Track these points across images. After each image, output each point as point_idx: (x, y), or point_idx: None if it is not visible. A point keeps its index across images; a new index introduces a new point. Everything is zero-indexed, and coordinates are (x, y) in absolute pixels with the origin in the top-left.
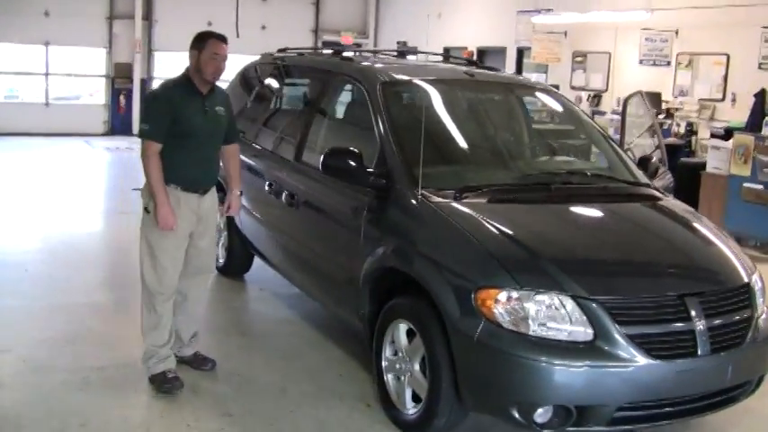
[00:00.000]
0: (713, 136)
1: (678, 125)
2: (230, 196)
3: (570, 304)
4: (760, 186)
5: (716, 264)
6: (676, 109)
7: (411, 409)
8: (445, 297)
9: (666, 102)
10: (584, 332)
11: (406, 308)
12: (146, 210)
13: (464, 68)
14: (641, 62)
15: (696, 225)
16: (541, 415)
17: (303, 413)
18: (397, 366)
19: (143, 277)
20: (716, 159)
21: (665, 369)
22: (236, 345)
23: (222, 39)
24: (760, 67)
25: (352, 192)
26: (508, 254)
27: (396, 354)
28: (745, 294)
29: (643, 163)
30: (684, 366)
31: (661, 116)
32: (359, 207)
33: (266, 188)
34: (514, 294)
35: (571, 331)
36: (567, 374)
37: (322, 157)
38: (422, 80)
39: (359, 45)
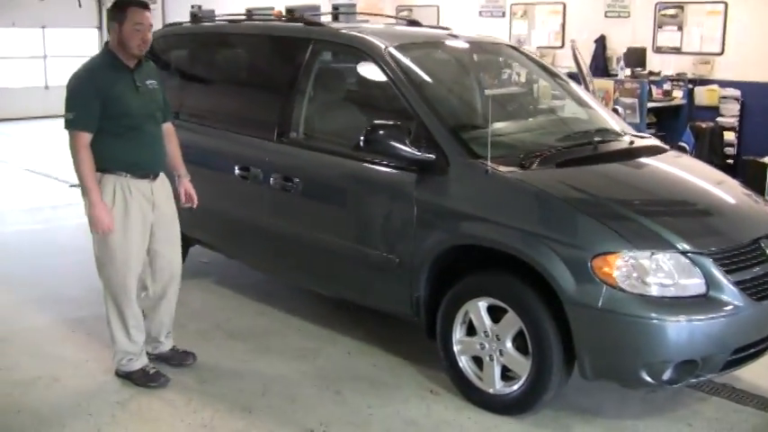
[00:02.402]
0: None
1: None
2: (182, 183)
3: (683, 260)
4: None
5: (761, 207)
6: None
7: (506, 388)
8: (556, 269)
9: None
10: (699, 285)
11: (491, 285)
12: None
13: (443, 31)
14: (481, 14)
15: (720, 176)
16: (669, 372)
17: (379, 411)
18: (479, 347)
19: (103, 276)
20: None
21: (764, 310)
22: (237, 348)
23: (144, 5)
24: (606, 16)
25: (392, 169)
26: (615, 218)
27: (470, 334)
28: None
29: None
30: None
31: None
32: (405, 185)
33: (236, 173)
34: (632, 257)
35: (688, 286)
36: (693, 328)
37: (364, 132)
38: (422, 44)
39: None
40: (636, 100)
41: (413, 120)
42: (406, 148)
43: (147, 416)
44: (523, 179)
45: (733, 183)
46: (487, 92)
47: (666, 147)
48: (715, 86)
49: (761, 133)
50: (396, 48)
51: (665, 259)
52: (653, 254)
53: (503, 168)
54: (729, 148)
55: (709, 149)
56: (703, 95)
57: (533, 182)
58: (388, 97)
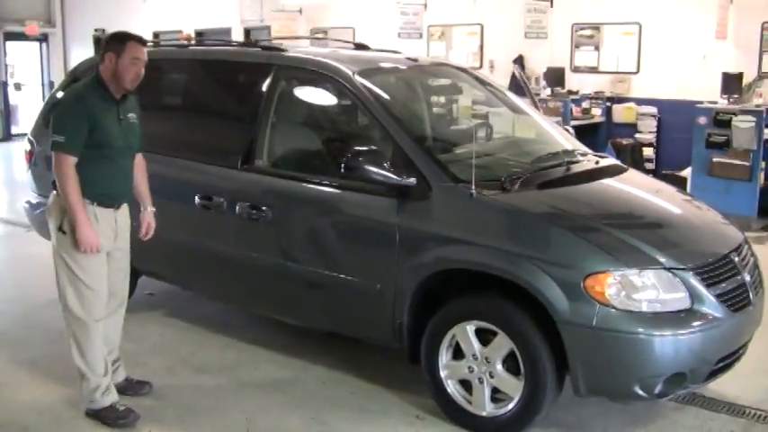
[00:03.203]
0: None
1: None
2: (146, 215)
3: (670, 276)
4: None
5: (725, 222)
6: None
7: (498, 410)
8: (549, 290)
9: None
10: (684, 300)
11: (480, 308)
12: (61, 231)
13: (399, 55)
14: (399, 35)
15: (684, 194)
16: (660, 385)
17: None
18: (467, 370)
19: (68, 306)
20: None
21: (740, 320)
22: (209, 383)
23: (142, 41)
24: (525, 36)
25: (371, 195)
26: (602, 238)
27: (456, 358)
28: (749, 248)
29: None
30: (746, 316)
31: None
32: (386, 211)
33: (197, 203)
34: (623, 276)
35: (674, 301)
36: (682, 342)
37: (344, 159)
38: (386, 69)
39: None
40: (560, 119)
41: (388, 145)
42: (388, 174)
43: None
44: (509, 202)
45: (696, 200)
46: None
47: (626, 166)
48: (632, 104)
49: (677, 148)
50: (362, 73)
51: (652, 276)
52: (641, 271)
53: (486, 192)
54: (648, 164)
55: (632, 165)
56: (621, 113)
57: (519, 204)
58: (358, 123)
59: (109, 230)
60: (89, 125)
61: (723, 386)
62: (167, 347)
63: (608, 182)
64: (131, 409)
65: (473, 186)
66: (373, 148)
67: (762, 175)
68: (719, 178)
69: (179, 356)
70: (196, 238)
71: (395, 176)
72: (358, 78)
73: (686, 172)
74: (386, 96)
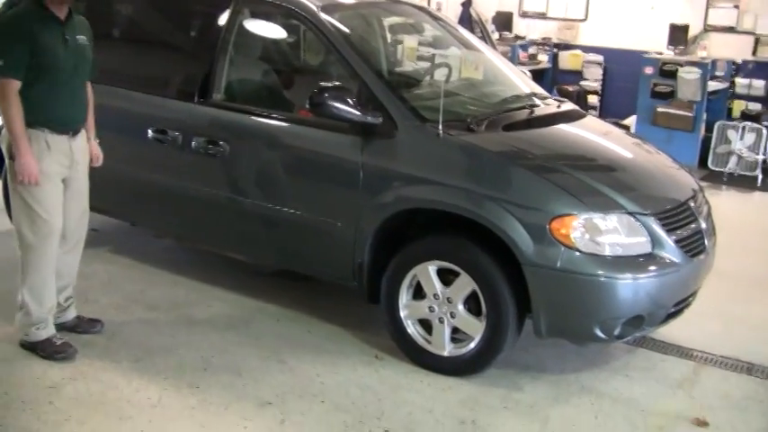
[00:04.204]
0: None
1: None
2: (91, 146)
3: (632, 221)
4: None
5: (682, 171)
6: None
7: (458, 350)
8: (514, 232)
9: None
10: (645, 244)
11: (443, 248)
12: (12, 158)
13: None
14: None
15: (640, 140)
16: (619, 327)
17: (329, 379)
18: (428, 310)
19: (21, 235)
20: None
21: (696, 266)
22: (161, 321)
23: None
24: None
25: (335, 132)
26: (569, 181)
27: (416, 298)
28: (703, 195)
29: None
30: (701, 262)
31: None
32: (350, 149)
33: (150, 136)
34: (588, 219)
35: (637, 246)
36: (642, 285)
37: (310, 95)
38: (349, 6)
39: None
40: None
41: (354, 83)
42: (354, 111)
43: (89, 400)
44: (476, 142)
45: (652, 148)
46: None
47: (584, 112)
48: (579, 51)
49: (622, 97)
50: (327, 8)
51: (615, 220)
52: (605, 215)
53: (453, 132)
54: (593, 111)
55: None
56: (567, 60)
57: (486, 145)
58: (323, 59)
59: (63, 158)
60: (30, 47)
61: (673, 330)
62: (116, 285)
63: (570, 126)
64: (69, 343)
65: (440, 126)
66: (339, 84)
67: (703, 127)
68: (663, 128)
69: (128, 294)
70: (148, 173)
71: (360, 114)
72: (323, 14)
73: (630, 120)
74: (352, 33)
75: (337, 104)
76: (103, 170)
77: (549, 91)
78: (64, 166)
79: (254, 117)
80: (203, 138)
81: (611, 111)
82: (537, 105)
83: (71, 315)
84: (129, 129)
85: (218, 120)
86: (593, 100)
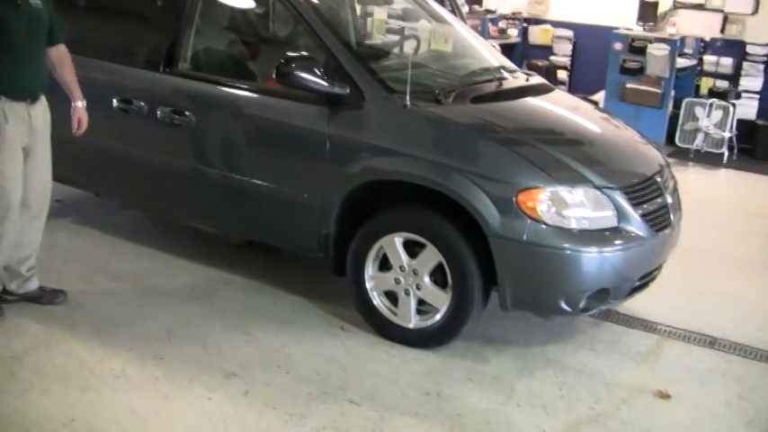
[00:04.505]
0: None
1: None
2: (76, 110)
3: (599, 195)
4: None
5: (649, 146)
6: None
7: (423, 322)
8: (481, 204)
9: None
10: (611, 218)
11: (409, 220)
12: None
13: None
14: None
15: (607, 115)
16: (584, 301)
17: (295, 351)
18: (394, 282)
19: None
20: None
21: (661, 241)
22: (125, 292)
23: None
24: None
25: (301, 103)
26: (536, 154)
27: (382, 270)
28: (670, 170)
29: None
30: (666, 237)
31: None
32: (317, 119)
33: (115, 106)
34: (554, 192)
35: (603, 219)
36: (607, 259)
37: (277, 65)
38: None
39: None
40: None
41: (322, 53)
42: (321, 82)
43: (52, 371)
44: (443, 114)
45: (621, 123)
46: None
47: (553, 86)
48: (548, 26)
49: (591, 72)
50: None
51: (582, 193)
52: (572, 188)
53: (420, 103)
54: (562, 86)
55: None
56: (537, 34)
57: (454, 117)
58: (290, 29)
59: (21, 126)
60: None
61: (638, 304)
62: (79, 255)
63: (538, 99)
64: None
65: (407, 97)
66: (306, 55)
67: (671, 103)
68: (631, 104)
69: (92, 264)
70: (113, 143)
71: (327, 85)
72: None
73: (599, 96)
74: (320, 4)
75: (304, 75)
76: (67, 140)
77: (519, 65)
78: (22, 134)
79: (220, 87)
80: (169, 108)
81: (581, 86)
82: (505, 78)
83: (33, 286)
84: (94, 98)
85: (184, 89)
86: (562, 75)
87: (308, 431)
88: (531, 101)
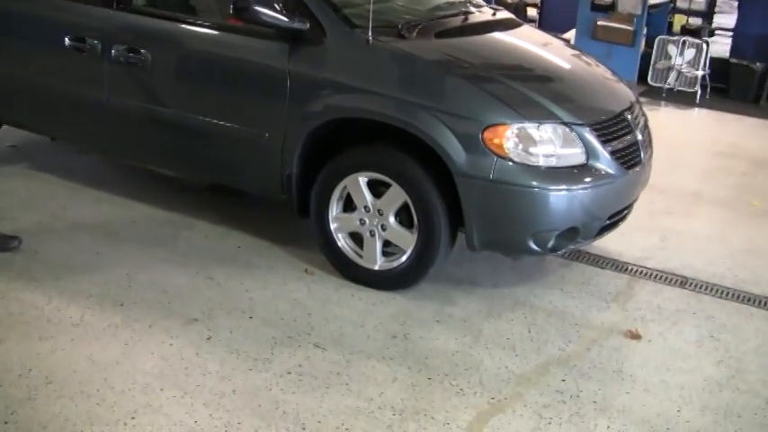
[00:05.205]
0: None
1: None
2: None
3: (567, 131)
4: None
5: (619, 83)
6: None
7: (389, 264)
8: (446, 141)
9: None
10: (579, 155)
11: (373, 159)
12: None
13: None
14: None
15: (578, 51)
16: (553, 240)
17: (258, 295)
18: (359, 223)
19: None
20: None
21: (631, 178)
22: (84, 238)
23: None
24: None
25: (260, 39)
26: (502, 90)
27: (347, 211)
28: (640, 107)
29: None
30: (637, 175)
31: None
32: (276, 56)
33: (68, 44)
34: (521, 129)
35: (570, 156)
36: (576, 197)
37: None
38: None
39: None
40: None
41: None
42: (280, 17)
43: (7, 320)
44: (407, 49)
45: (591, 59)
46: None
47: (521, 21)
48: None
49: (561, 10)
50: None
51: (549, 130)
52: (539, 125)
53: (383, 38)
54: (532, 24)
55: None
56: None
57: (417, 52)
58: None
59: None
60: None
61: (608, 244)
62: (36, 202)
63: (505, 35)
64: None
65: (370, 32)
66: None
67: (643, 41)
68: (603, 42)
69: (49, 211)
70: (66, 84)
71: (287, 20)
72: None
73: (569, 34)
74: None
75: (262, 9)
76: (19, 81)
77: (488, 2)
78: None
79: (176, 24)
80: (123, 46)
81: (551, 24)
82: (471, 13)
83: None
84: (45, 36)
85: (139, 27)
86: (532, 13)
87: (272, 376)
88: (498, 36)
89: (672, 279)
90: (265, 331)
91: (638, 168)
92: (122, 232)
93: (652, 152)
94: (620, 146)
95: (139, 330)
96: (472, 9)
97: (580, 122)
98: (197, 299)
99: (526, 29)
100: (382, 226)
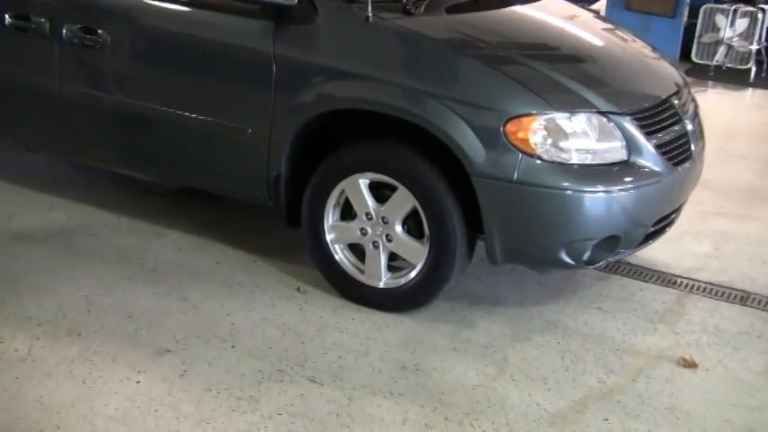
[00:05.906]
0: None
1: None
2: None
3: (605, 122)
4: None
5: (663, 62)
6: None
7: (396, 280)
8: (462, 136)
9: None
10: (620, 151)
11: (376, 157)
12: None
13: None
14: None
15: (613, 25)
16: (589, 251)
17: (242, 319)
18: (360, 233)
19: None
20: None
21: (681, 176)
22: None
23: None
24: None
25: (242, 17)
26: (526, 74)
27: (345, 219)
28: (689, 91)
29: None
30: (687, 172)
31: None
32: (260, 37)
33: (8, 23)
34: (550, 119)
35: (610, 152)
36: (616, 200)
37: None
38: None
39: None
40: None
41: None
42: None
43: None
44: (413, 27)
45: (628, 34)
46: None
47: None
48: None
49: None
50: None
51: (584, 121)
52: (571, 115)
53: (386, 15)
54: None
55: None
56: None
57: (426, 31)
58: None
59: None
60: None
61: (653, 253)
62: None
63: (527, 8)
64: None
65: (369, 7)
66: None
67: (686, 11)
68: (639, 13)
69: None
70: (8, 70)
71: None
72: None
73: (599, 5)
74: None
75: None
76: None
77: None
78: None
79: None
80: (77, 25)
81: None
82: None
83: None
84: None
85: (95, 2)
86: None
87: (259, 418)
88: (518, 10)
89: (730, 294)
90: (250, 363)
91: (687, 164)
92: (80, 246)
93: (704, 144)
94: (667, 138)
95: (100, 365)
96: None
97: (619, 111)
98: (169, 325)
99: (549, 0)
100: (387, 236)
